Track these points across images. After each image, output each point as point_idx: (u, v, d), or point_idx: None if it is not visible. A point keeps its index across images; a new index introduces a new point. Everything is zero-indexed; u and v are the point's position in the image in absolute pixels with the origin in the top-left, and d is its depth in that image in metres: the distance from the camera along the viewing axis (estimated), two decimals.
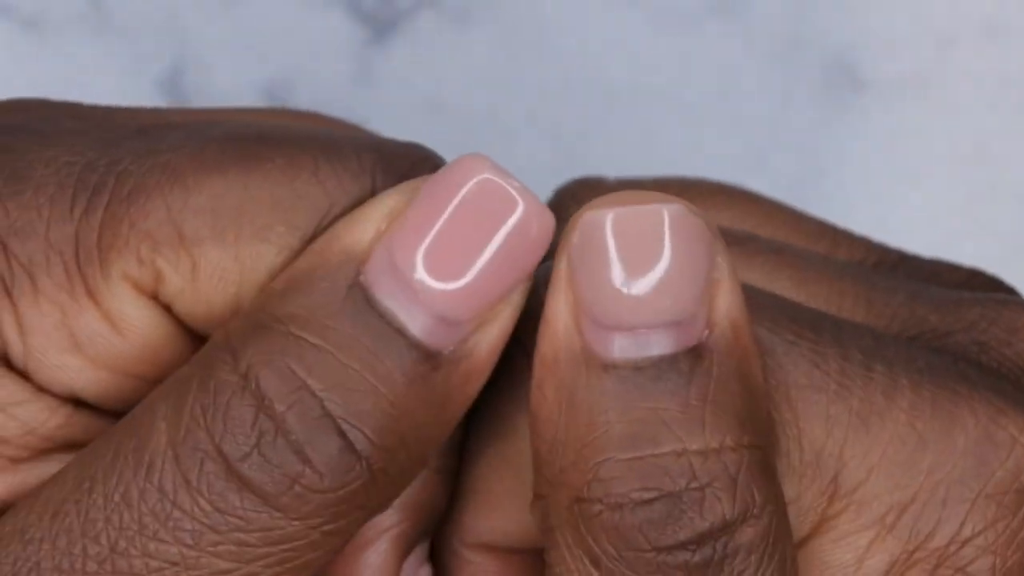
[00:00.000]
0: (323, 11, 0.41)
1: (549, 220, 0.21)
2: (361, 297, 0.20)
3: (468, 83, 0.41)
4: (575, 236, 0.20)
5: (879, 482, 0.21)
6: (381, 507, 0.21)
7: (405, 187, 0.21)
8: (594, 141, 0.41)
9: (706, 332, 0.20)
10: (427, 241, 0.20)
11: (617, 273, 0.20)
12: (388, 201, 0.21)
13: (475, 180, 0.21)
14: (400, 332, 0.20)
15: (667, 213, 0.20)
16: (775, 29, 0.41)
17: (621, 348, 0.20)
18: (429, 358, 0.20)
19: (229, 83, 0.41)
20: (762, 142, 0.41)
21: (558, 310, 0.20)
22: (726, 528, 0.20)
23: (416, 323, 0.20)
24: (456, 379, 0.21)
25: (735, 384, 0.20)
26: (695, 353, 0.20)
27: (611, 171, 0.41)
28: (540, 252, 0.21)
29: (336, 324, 0.20)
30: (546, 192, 0.41)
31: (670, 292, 0.20)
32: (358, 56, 0.41)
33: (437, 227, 0.20)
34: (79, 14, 0.41)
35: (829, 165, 0.41)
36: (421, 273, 0.20)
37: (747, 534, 0.20)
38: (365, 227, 0.20)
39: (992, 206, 0.41)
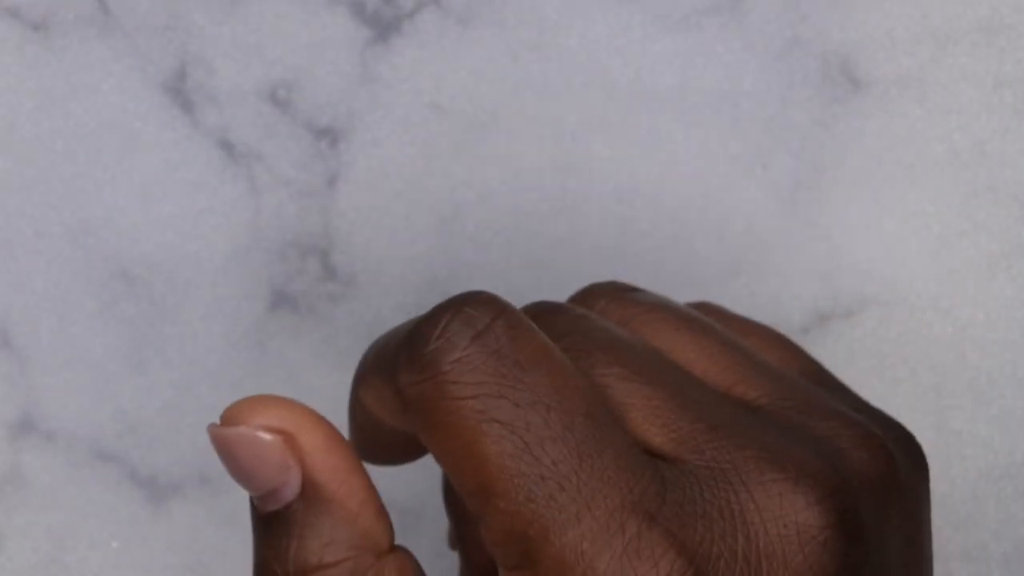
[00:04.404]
0: (326, 12, 0.41)
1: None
2: None
3: (469, 83, 0.41)
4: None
5: None
6: None
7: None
8: (594, 141, 0.41)
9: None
10: None
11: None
12: None
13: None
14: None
15: (210, 435, 0.27)
16: (775, 29, 0.41)
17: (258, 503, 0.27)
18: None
19: (233, 84, 0.41)
20: (762, 142, 0.41)
21: None
22: None
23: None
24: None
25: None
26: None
27: (610, 171, 0.41)
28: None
29: None
30: (547, 191, 0.41)
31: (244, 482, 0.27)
32: (360, 56, 0.41)
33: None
34: (85, 16, 0.41)
35: (828, 165, 0.41)
36: None
37: None
38: None
39: (990, 206, 0.41)
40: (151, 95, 0.41)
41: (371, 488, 0.27)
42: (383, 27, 0.41)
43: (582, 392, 0.26)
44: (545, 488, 0.25)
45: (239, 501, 0.41)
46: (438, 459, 0.26)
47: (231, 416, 0.27)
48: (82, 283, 0.41)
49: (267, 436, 0.26)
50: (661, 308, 0.30)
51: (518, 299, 0.41)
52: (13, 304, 0.41)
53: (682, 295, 0.41)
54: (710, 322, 0.30)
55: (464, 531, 0.33)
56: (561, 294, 0.41)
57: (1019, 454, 0.41)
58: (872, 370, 0.41)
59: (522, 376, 0.26)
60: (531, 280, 0.41)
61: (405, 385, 0.26)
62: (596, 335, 0.28)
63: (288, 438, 0.27)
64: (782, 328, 0.41)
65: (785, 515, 0.26)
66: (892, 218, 0.41)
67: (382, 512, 0.27)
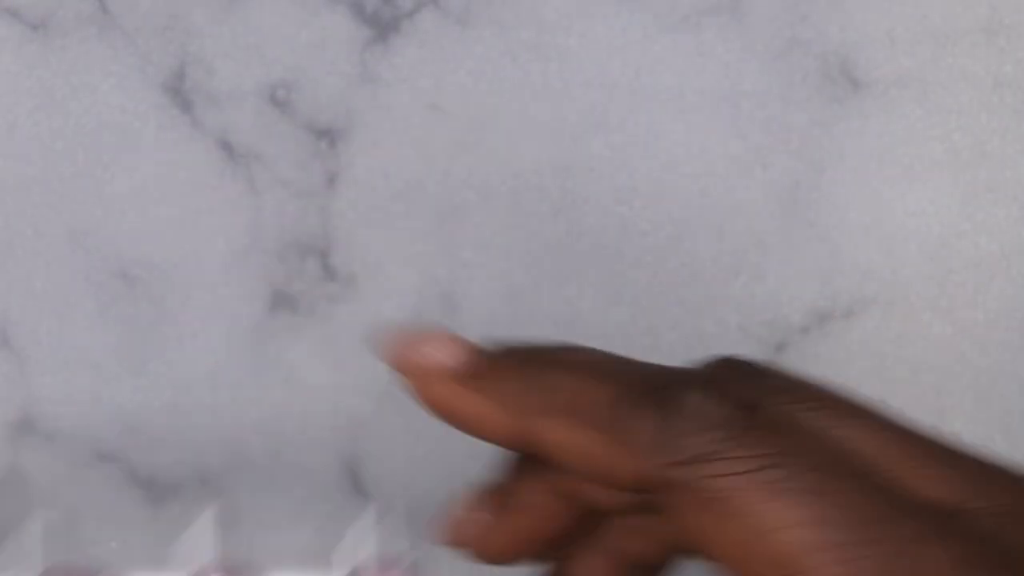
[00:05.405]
0: (326, 12, 0.41)
1: None
2: None
3: (469, 83, 0.41)
4: None
5: None
6: None
7: None
8: (594, 141, 0.41)
9: None
10: None
11: None
12: None
13: None
14: None
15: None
16: (775, 29, 0.41)
17: None
18: None
19: (232, 84, 0.41)
20: (762, 142, 0.41)
21: None
22: None
23: None
24: None
25: None
26: None
27: (610, 171, 0.41)
28: None
29: None
30: (547, 191, 0.41)
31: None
32: (360, 56, 0.41)
33: None
34: (85, 16, 0.41)
35: (828, 165, 0.41)
36: None
37: None
38: None
39: (990, 206, 0.41)
40: (150, 95, 0.41)
41: None
42: (383, 27, 0.41)
43: (841, 451, 0.25)
44: (865, 555, 0.23)
45: (239, 501, 0.41)
46: (706, 539, 0.24)
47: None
48: (82, 283, 0.41)
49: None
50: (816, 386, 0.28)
51: (519, 299, 0.41)
52: (13, 304, 0.41)
53: (682, 295, 0.41)
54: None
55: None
56: (560, 294, 0.41)
57: (1019, 454, 0.41)
58: (872, 370, 0.41)
59: (798, 442, 0.25)
60: (531, 280, 0.41)
61: (661, 464, 0.25)
62: (812, 390, 0.26)
63: None
64: (782, 328, 0.41)
65: None
66: (892, 218, 0.41)
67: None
